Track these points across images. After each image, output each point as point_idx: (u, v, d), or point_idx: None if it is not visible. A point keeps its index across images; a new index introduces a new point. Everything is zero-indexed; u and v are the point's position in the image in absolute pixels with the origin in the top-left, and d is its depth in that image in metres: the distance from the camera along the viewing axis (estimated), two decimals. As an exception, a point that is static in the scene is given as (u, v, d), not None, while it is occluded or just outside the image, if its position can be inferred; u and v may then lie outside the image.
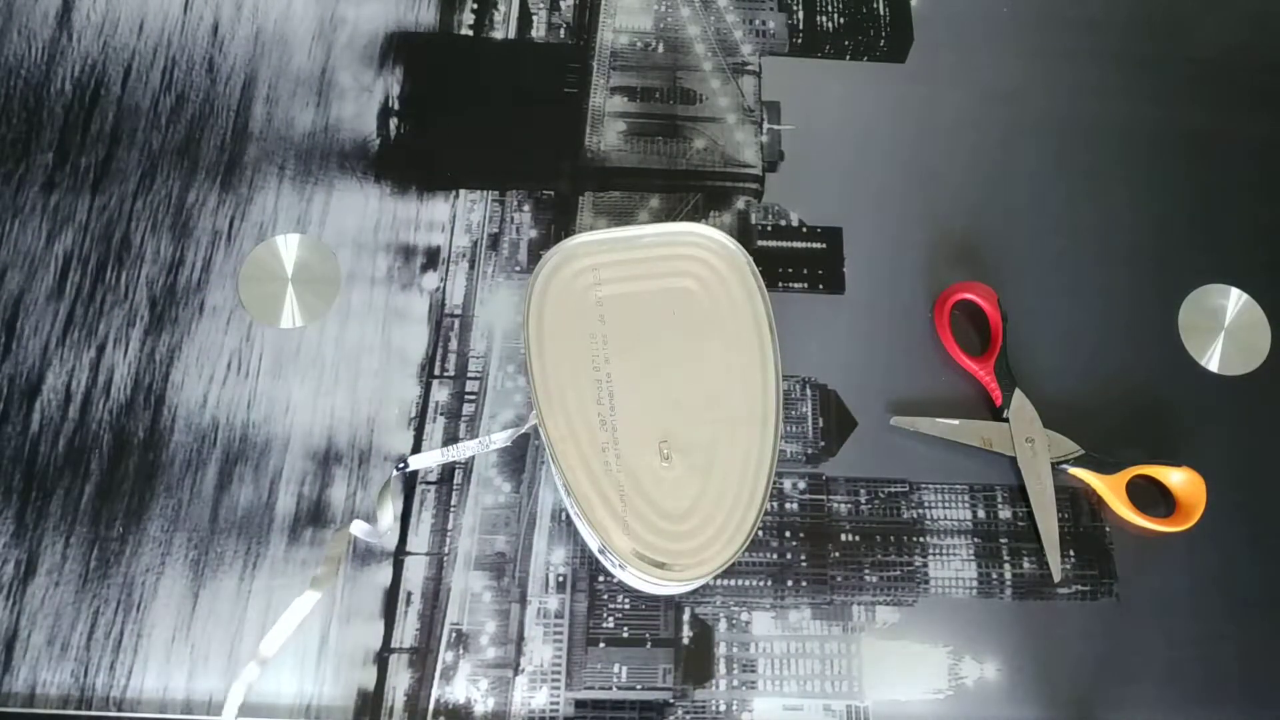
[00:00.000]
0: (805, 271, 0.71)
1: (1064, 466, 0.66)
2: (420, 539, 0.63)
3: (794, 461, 0.66)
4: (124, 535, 0.62)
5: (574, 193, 0.73)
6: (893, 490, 0.66)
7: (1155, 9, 0.81)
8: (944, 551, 0.65)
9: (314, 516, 0.63)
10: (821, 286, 0.71)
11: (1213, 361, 0.70)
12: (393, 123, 0.73)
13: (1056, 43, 0.79)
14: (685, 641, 0.62)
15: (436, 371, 0.67)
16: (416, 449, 0.65)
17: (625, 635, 0.62)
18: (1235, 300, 0.72)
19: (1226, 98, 0.78)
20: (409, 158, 0.73)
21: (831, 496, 0.66)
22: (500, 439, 0.64)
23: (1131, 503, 0.65)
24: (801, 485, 0.66)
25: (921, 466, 0.67)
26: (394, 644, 0.61)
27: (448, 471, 0.65)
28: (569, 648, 0.61)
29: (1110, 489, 0.65)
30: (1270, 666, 0.63)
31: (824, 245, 0.72)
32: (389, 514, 0.62)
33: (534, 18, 0.78)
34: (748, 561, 0.64)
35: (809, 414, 0.68)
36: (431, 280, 0.70)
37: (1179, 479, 0.66)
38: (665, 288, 0.59)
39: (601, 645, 0.62)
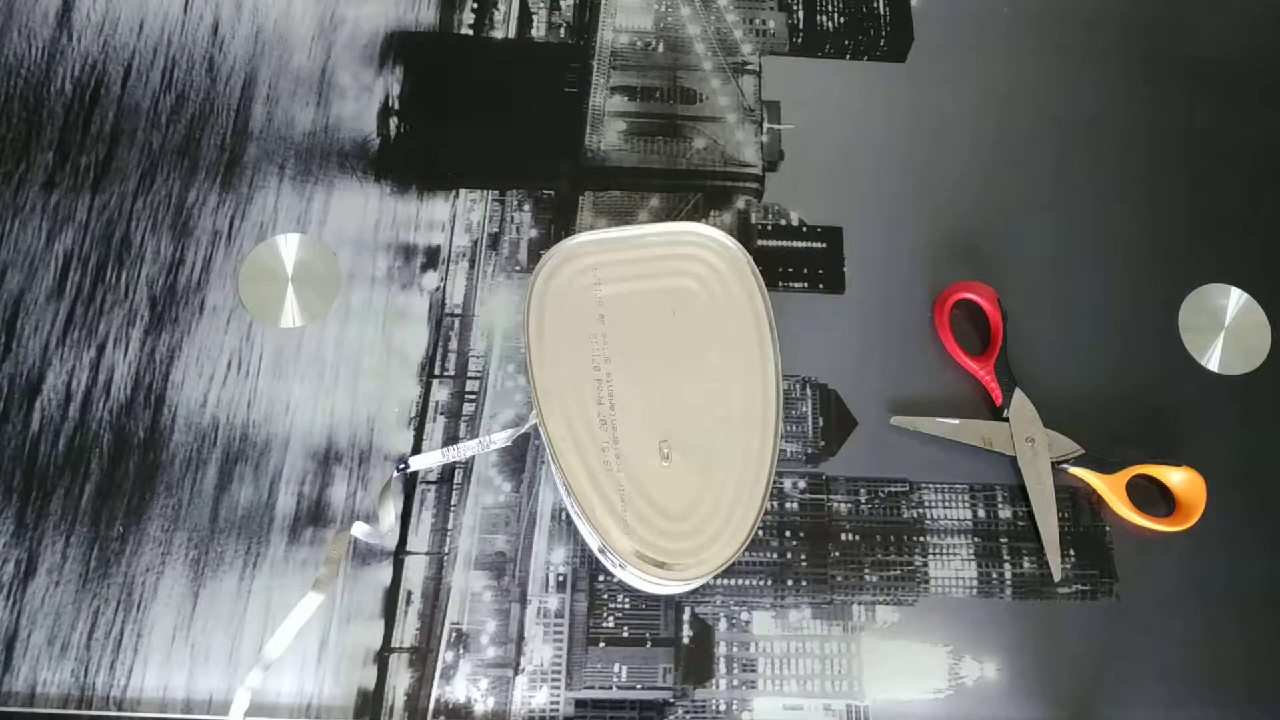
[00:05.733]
0: (805, 271, 0.71)
1: (1064, 466, 0.66)
2: (420, 538, 0.63)
3: (794, 461, 0.66)
4: (124, 535, 0.62)
5: (574, 192, 0.73)
6: (893, 490, 0.66)
7: (1156, 8, 0.81)
8: (944, 551, 0.65)
9: (314, 516, 0.63)
10: (821, 286, 0.71)
11: (1213, 361, 0.70)
12: (393, 122, 0.73)
13: (1057, 42, 0.79)
14: (685, 641, 0.62)
15: (436, 371, 0.67)
16: (416, 449, 0.65)
17: (625, 635, 0.62)
18: (1235, 300, 0.72)
19: (1227, 97, 0.78)
20: (409, 157, 0.73)
21: (831, 496, 0.66)
22: (500, 439, 0.64)
23: (1131, 502, 0.65)
24: (801, 485, 0.66)
25: (921, 466, 0.67)
26: (394, 643, 0.61)
27: (448, 471, 0.65)
28: (569, 647, 0.61)
29: (1110, 489, 0.65)
30: (1271, 666, 0.63)
31: (824, 245, 0.72)
32: (390, 515, 0.62)
33: (534, 17, 0.78)
34: (748, 561, 0.64)
35: (809, 414, 0.68)
36: (431, 280, 0.70)
37: (1179, 479, 0.66)
38: (665, 287, 0.59)
39: (601, 645, 0.62)
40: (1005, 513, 0.66)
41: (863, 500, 0.66)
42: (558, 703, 0.60)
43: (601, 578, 0.63)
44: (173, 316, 0.67)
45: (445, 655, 0.61)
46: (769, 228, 0.72)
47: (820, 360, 0.69)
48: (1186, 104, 0.78)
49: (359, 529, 0.61)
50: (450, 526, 0.64)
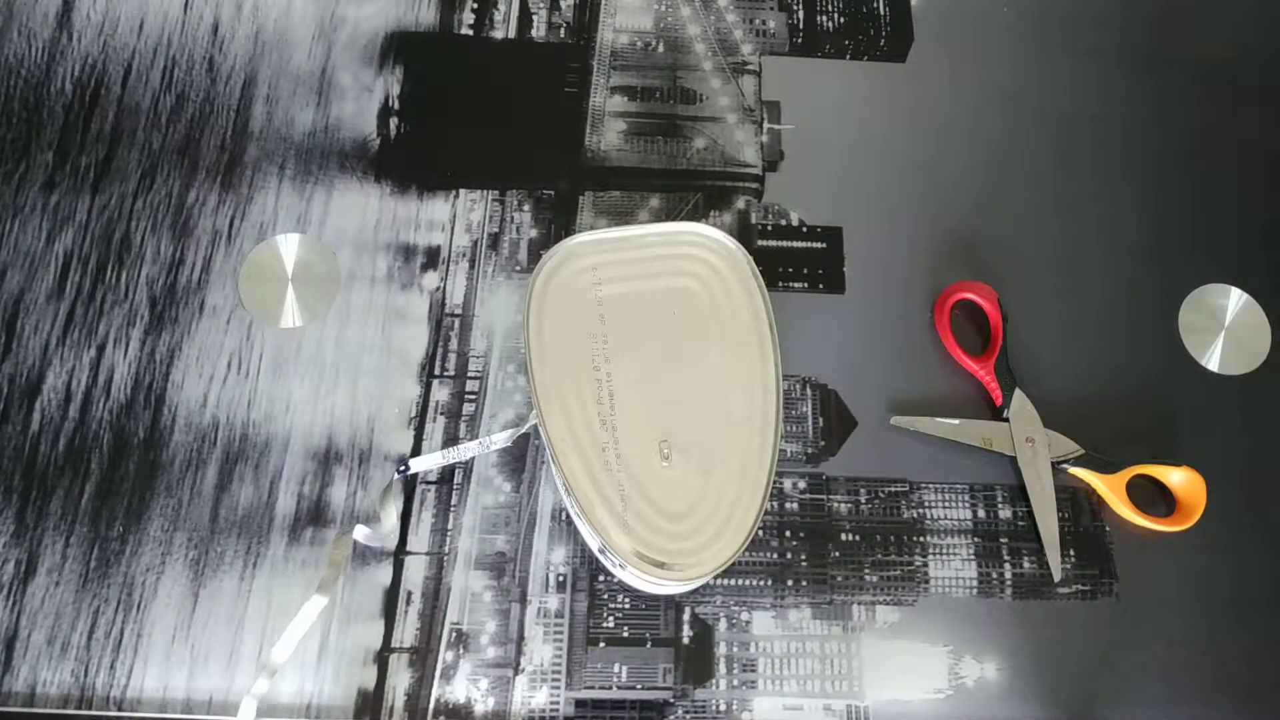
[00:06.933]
0: (805, 271, 0.71)
1: (1064, 466, 0.66)
2: (420, 538, 0.63)
3: (794, 461, 0.66)
4: (124, 535, 0.62)
5: (574, 192, 0.73)
6: (893, 490, 0.66)
7: (1156, 7, 0.81)
8: (944, 551, 0.65)
9: (314, 516, 0.63)
10: (821, 286, 0.71)
11: (1213, 361, 0.70)
12: (393, 122, 0.73)
13: (1057, 42, 0.79)
14: (685, 641, 0.62)
15: (436, 371, 0.67)
16: (417, 449, 0.65)
17: (625, 635, 0.62)
18: (1235, 300, 0.72)
19: (1227, 97, 0.78)
20: (409, 157, 0.73)
21: (831, 496, 0.66)
22: (500, 439, 0.64)
23: (1131, 503, 0.65)
24: (801, 485, 0.66)
25: (921, 466, 0.67)
26: (394, 643, 0.61)
27: (448, 471, 0.65)
28: (569, 647, 0.61)
29: (1110, 489, 0.65)
30: (1271, 666, 0.63)
31: (824, 245, 0.72)
32: (391, 517, 0.62)
33: (534, 17, 0.78)
34: (748, 561, 0.64)
35: (809, 414, 0.68)
36: (431, 280, 0.70)
37: (1179, 479, 0.66)
38: (665, 287, 0.59)
39: (601, 645, 0.62)
40: (1005, 513, 0.66)
41: (863, 500, 0.66)
42: (558, 703, 0.60)
43: (601, 578, 0.63)
44: (173, 316, 0.67)
45: (445, 655, 0.61)
46: (769, 228, 0.72)
47: (820, 360, 0.69)
48: (1187, 104, 0.78)
49: (360, 533, 0.61)
50: (450, 526, 0.64)
